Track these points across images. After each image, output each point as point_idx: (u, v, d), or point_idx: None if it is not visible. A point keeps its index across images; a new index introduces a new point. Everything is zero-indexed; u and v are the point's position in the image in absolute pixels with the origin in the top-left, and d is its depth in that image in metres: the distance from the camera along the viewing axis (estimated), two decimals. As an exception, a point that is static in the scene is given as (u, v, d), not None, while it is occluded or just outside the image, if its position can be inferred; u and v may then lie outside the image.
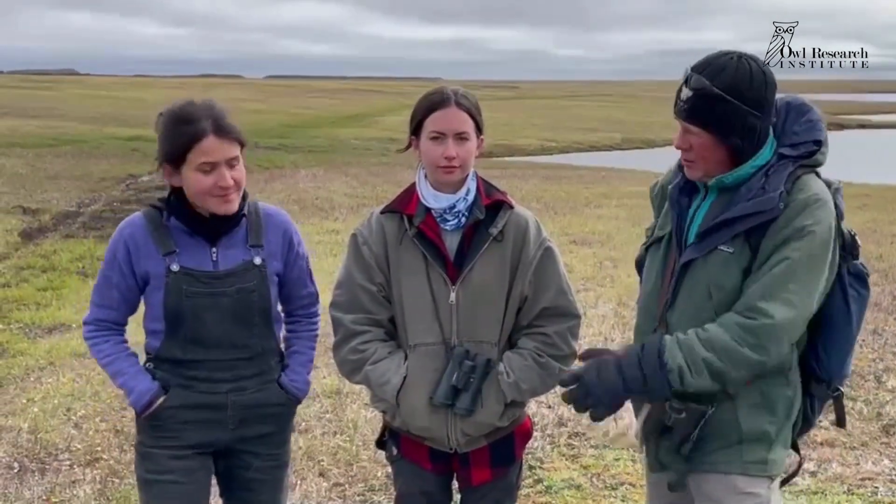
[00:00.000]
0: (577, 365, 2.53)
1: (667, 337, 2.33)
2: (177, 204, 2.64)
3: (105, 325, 2.73)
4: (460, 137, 2.57)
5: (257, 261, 2.68)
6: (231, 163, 2.58)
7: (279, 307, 2.83)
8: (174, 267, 2.61)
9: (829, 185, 2.41)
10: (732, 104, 2.27)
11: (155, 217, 2.66)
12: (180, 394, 2.67)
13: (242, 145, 2.63)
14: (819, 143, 2.38)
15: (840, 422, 2.58)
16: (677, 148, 2.40)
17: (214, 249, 2.65)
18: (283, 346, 2.87)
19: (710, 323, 2.32)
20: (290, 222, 2.82)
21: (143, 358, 2.75)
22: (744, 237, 2.32)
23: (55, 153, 25.27)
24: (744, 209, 2.30)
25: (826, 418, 5.25)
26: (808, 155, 2.36)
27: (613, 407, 2.38)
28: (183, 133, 2.54)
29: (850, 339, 2.42)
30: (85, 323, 2.77)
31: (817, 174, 2.39)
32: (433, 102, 2.60)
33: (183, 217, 2.63)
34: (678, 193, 2.51)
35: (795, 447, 2.56)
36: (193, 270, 2.62)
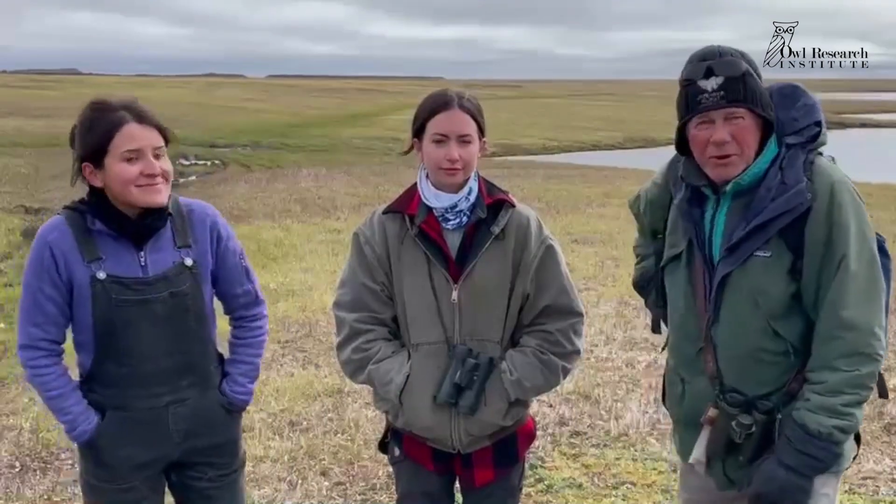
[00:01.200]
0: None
1: (794, 414, 2.29)
2: (99, 205, 2.48)
3: (46, 350, 2.52)
4: (463, 140, 2.57)
5: (188, 262, 2.55)
6: (156, 152, 2.46)
7: (216, 309, 2.72)
8: (101, 275, 2.44)
9: None
10: (757, 80, 2.31)
11: (77, 221, 2.48)
12: (118, 416, 2.55)
13: (166, 139, 2.51)
14: (819, 125, 2.37)
15: (882, 393, 2.47)
16: (716, 143, 2.31)
17: (142, 253, 2.50)
18: (226, 349, 2.77)
19: (776, 344, 2.32)
20: (217, 214, 2.68)
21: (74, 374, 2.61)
22: (778, 237, 2.29)
23: (57, 153, 25.24)
24: (774, 210, 2.27)
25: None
26: (814, 138, 2.36)
27: (804, 498, 2.32)
28: (103, 123, 2.43)
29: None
30: (24, 348, 2.52)
31: (821, 154, 2.39)
32: (436, 105, 2.60)
33: (108, 219, 2.46)
34: (688, 206, 2.46)
35: (857, 435, 2.47)
36: (122, 277, 2.46)
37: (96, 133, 2.43)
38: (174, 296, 2.52)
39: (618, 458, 4.81)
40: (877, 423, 5.34)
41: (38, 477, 4.60)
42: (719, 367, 2.42)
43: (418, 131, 2.63)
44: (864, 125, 53.39)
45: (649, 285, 2.73)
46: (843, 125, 47.48)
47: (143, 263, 2.50)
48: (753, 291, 2.33)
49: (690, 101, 2.32)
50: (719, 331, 2.40)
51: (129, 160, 2.42)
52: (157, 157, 2.46)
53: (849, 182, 2.31)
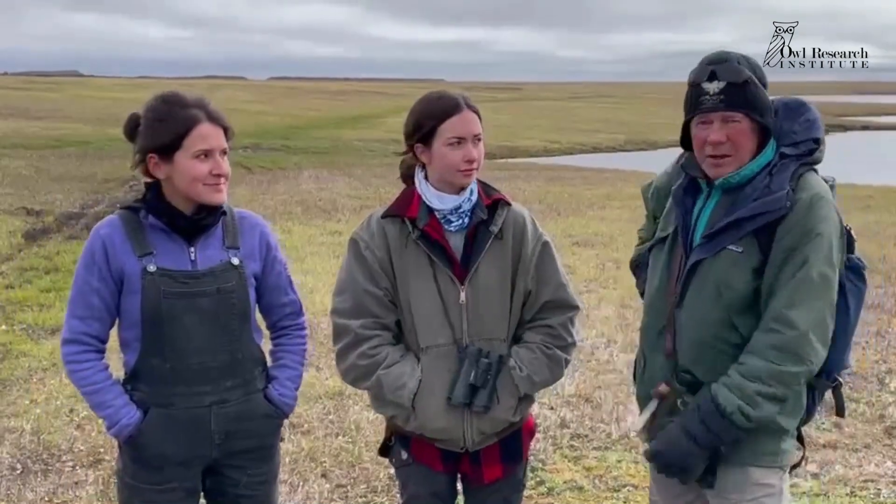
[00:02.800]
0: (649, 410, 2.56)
1: (713, 386, 2.38)
2: (154, 200, 2.53)
3: (88, 345, 2.55)
4: (477, 139, 2.62)
5: (235, 261, 2.58)
6: (223, 152, 2.53)
7: (259, 318, 2.73)
8: (151, 268, 2.48)
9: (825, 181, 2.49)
10: (760, 87, 2.41)
11: (131, 217, 2.54)
12: (161, 414, 2.55)
13: (228, 138, 2.57)
14: (818, 142, 2.46)
15: (839, 411, 2.62)
16: (713, 143, 2.41)
17: (192, 249, 2.54)
18: (268, 359, 2.77)
19: (732, 336, 2.40)
20: (266, 225, 2.74)
21: (118, 372, 2.62)
22: (752, 236, 2.38)
23: (59, 154, 25.34)
24: (752, 209, 2.36)
25: (828, 419, 5.26)
26: (809, 153, 2.44)
27: (695, 468, 2.43)
28: (179, 118, 2.47)
29: (847, 332, 2.47)
30: (65, 342, 2.55)
31: (815, 171, 2.47)
32: (447, 108, 2.60)
33: (161, 213, 2.51)
34: (682, 193, 2.56)
35: (800, 439, 2.60)
36: (171, 270, 2.50)
37: (170, 127, 2.47)
38: (221, 292, 2.55)
39: (619, 461, 4.82)
40: (878, 426, 5.35)
41: (39, 479, 4.59)
42: (676, 347, 2.52)
43: (426, 136, 2.62)
44: (865, 128, 53.34)
45: (641, 266, 2.81)
46: (844, 128, 47.41)
47: (192, 258, 2.54)
48: (719, 283, 2.42)
49: (694, 102, 2.44)
50: (682, 313, 2.50)
51: (200, 158, 2.48)
52: (222, 156, 2.53)
53: (831, 199, 2.40)
